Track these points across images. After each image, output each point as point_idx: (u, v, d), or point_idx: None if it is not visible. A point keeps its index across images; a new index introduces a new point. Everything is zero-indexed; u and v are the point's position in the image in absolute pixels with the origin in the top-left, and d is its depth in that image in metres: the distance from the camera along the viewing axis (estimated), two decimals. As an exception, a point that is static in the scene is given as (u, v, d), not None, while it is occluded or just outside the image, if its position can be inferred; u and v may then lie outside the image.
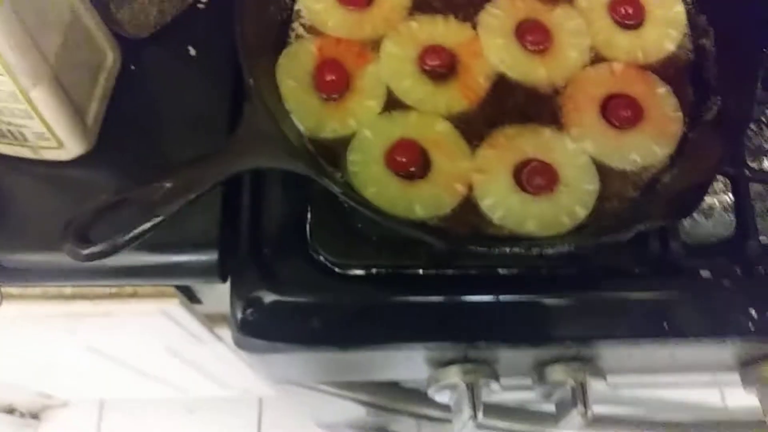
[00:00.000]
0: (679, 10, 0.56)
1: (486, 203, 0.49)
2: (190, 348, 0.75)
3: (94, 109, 0.51)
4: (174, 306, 0.59)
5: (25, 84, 0.43)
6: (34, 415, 1.31)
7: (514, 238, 0.48)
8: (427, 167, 0.50)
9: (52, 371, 0.98)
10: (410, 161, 0.49)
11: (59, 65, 0.46)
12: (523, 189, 0.49)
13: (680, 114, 0.52)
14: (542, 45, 0.54)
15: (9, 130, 0.48)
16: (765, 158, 0.58)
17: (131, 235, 0.42)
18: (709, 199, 0.56)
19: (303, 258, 0.52)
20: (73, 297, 0.57)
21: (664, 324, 0.52)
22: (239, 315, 0.51)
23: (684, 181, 0.49)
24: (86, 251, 0.42)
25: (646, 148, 0.51)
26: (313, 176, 0.44)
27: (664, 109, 0.52)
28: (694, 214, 0.56)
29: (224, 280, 0.52)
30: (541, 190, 0.49)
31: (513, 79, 0.53)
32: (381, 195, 0.48)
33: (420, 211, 0.48)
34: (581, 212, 0.49)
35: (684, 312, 0.52)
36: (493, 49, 0.54)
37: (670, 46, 0.55)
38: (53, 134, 0.48)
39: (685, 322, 0.52)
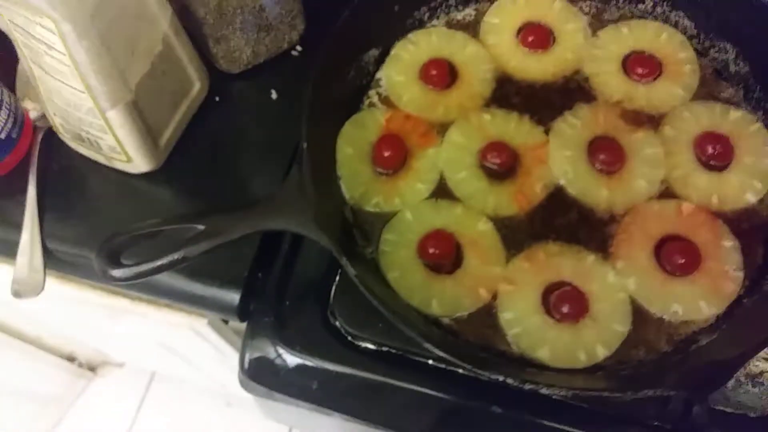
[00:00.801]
0: (772, 162, 0.52)
1: (505, 316, 0.48)
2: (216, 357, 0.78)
3: (170, 132, 0.55)
4: (202, 325, 0.62)
5: (103, 104, 0.47)
6: (92, 368, 1.40)
7: (522, 361, 0.46)
8: (457, 264, 0.49)
9: (109, 337, 1.04)
10: (442, 254, 0.49)
11: (141, 91, 0.49)
12: (548, 312, 0.47)
13: (741, 274, 0.48)
14: (612, 167, 0.52)
15: (88, 138, 0.52)
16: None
17: (153, 266, 0.45)
18: (762, 365, 0.52)
19: (320, 319, 0.53)
20: (115, 293, 0.61)
21: (671, 488, 0.48)
22: (247, 358, 0.53)
23: (722, 349, 0.45)
24: (113, 273, 0.45)
25: (692, 302, 0.47)
26: (333, 252, 0.45)
27: (726, 264, 0.48)
28: (741, 377, 0.51)
29: (243, 321, 0.54)
30: (566, 318, 0.47)
31: (571, 195, 0.51)
32: (403, 281, 0.48)
33: (436, 307, 0.48)
34: (601, 352, 0.46)
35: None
36: (558, 159, 0.52)
37: (751, 198, 0.51)
38: (124, 150, 0.52)
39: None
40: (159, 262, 0.45)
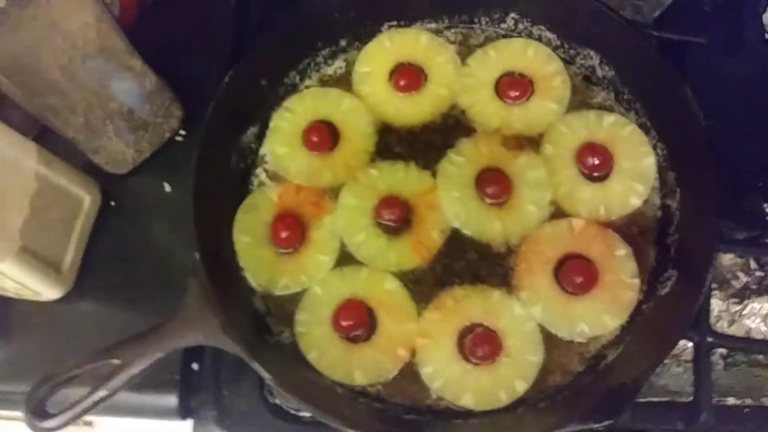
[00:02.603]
0: (650, 162, 0.53)
1: (426, 371, 0.50)
2: None
3: (70, 256, 0.55)
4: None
5: (-10, 261, 0.47)
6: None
7: (449, 412, 0.49)
8: (372, 329, 0.51)
9: None
10: (355, 324, 0.50)
11: (27, 235, 0.49)
12: (465, 358, 0.50)
13: (637, 281, 0.50)
14: (501, 198, 0.53)
15: (-12, 283, 0.52)
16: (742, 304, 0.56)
17: (80, 410, 0.46)
18: (681, 343, 0.55)
19: (259, 400, 0.55)
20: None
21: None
22: (198, 454, 0.55)
23: (628, 361, 0.48)
24: (43, 425, 0.46)
25: (596, 318, 0.50)
26: (246, 360, 0.46)
27: (621, 274, 0.51)
28: (667, 360, 0.55)
29: (184, 419, 0.55)
30: (483, 360, 0.49)
31: (467, 235, 0.53)
32: (322, 359, 0.50)
33: (360, 378, 0.50)
34: (521, 386, 0.49)
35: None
36: (448, 202, 0.53)
37: (636, 202, 0.53)
38: (28, 289, 0.52)
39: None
40: (84, 405, 0.46)
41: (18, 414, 0.62)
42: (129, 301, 0.57)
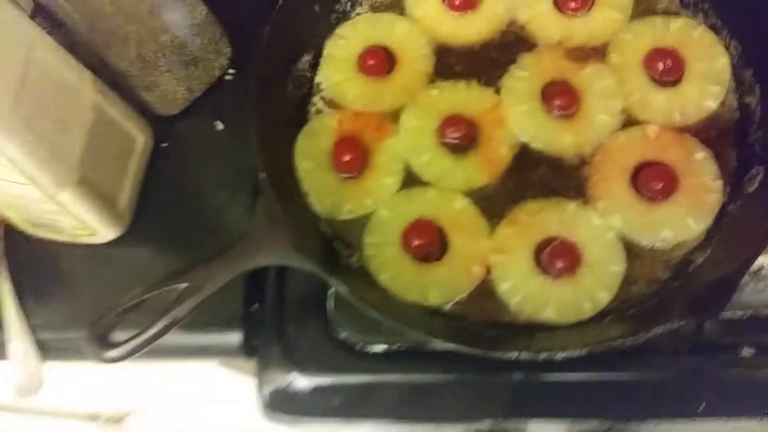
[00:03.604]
0: (724, 62, 0.51)
1: (504, 287, 0.47)
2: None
3: (126, 194, 0.54)
4: (214, 365, 0.62)
5: (52, 191, 0.46)
6: (118, 420, 1.39)
7: (531, 327, 0.46)
8: (444, 248, 0.49)
9: (126, 392, 1.05)
10: (426, 243, 0.48)
11: (85, 165, 0.48)
12: (544, 271, 0.47)
13: (720, 183, 0.48)
14: (569, 110, 0.51)
15: (45, 223, 0.51)
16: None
17: (146, 338, 0.44)
18: (761, 260, 0.52)
19: (326, 335, 0.53)
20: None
21: (702, 404, 0.49)
22: (264, 391, 0.52)
23: (719, 264, 0.45)
24: (107, 355, 0.44)
25: (679, 223, 0.47)
26: (320, 275, 0.44)
27: (702, 177, 0.48)
28: (747, 276, 0.52)
29: (250, 357, 0.54)
30: (562, 273, 0.47)
31: (537, 149, 0.51)
32: (395, 280, 0.48)
33: (435, 297, 0.48)
34: (604, 297, 0.46)
35: (723, 392, 0.49)
36: (515, 117, 0.51)
37: (711, 104, 0.50)
38: (86, 226, 0.51)
39: (725, 403, 0.49)
40: (151, 332, 0.44)
41: (77, 362, 0.61)
42: (184, 243, 0.55)
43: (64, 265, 0.56)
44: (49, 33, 0.47)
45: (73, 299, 0.55)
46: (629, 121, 0.51)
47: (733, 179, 0.48)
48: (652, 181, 0.48)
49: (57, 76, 0.45)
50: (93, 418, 1.33)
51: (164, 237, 0.56)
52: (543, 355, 0.41)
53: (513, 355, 0.41)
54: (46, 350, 0.54)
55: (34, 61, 0.42)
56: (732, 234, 0.46)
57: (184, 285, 0.45)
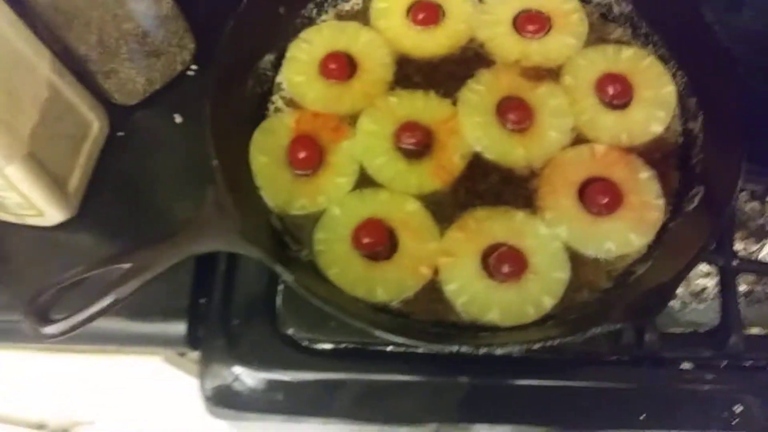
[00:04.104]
0: (670, 91, 0.53)
1: (450, 288, 0.48)
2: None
3: (77, 178, 0.53)
4: (158, 363, 0.60)
5: (-2, 162, 0.45)
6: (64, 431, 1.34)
7: (475, 327, 0.47)
8: (393, 248, 0.49)
9: (72, 397, 1.01)
10: (376, 241, 0.49)
11: (36, 142, 0.47)
12: (490, 275, 0.48)
13: (662, 201, 0.50)
14: (523, 124, 0.53)
15: (-9, 200, 0.50)
16: (759, 243, 0.55)
17: (87, 315, 0.43)
18: (702, 282, 0.54)
19: (272, 331, 0.52)
20: (59, 350, 0.59)
21: (642, 416, 0.50)
22: (207, 385, 0.51)
23: (659, 274, 0.46)
24: (45, 330, 0.43)
25: (622, 237, 0.49)
26: (267, 263, 0.44)
27: (646, 195, 0.50)
28: (686, 298, 0.54)
29: (195, 349, 0.52)
30: (508, 278, 0.48)
31: (489, 159, 0.52)
32: (343, 276, 0.48)
33: (382, 294, 0.48)
34: (548, 302, 0.47)
35: (663, 404, 0.50)
36: (470, 127, 0.53)
37: (657, 128, 0.53)
38: (32, 204, 0.50)
39: (665, 415, 0.50)
40: (91, 310, 0.43)
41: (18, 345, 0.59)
42: (133, 232, 0.55)
43: (7, 246, 0.54)
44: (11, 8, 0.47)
45: (14, 282, 0.53)
46: (579, 139, 0.53)
47: (675, 198, 0.50)
48: (598, 195, 0.50)
49: (13, 48, 0.45)
50: (40, 426, 1.27)
51: (113, 224, 0.55)
52: (482, 350, 0.41)
53: (453, 348, 0.41)
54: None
55: (-8, 29, 0.42)
56: (672, 248, 0.48)
57: (128, 265, 0.44)
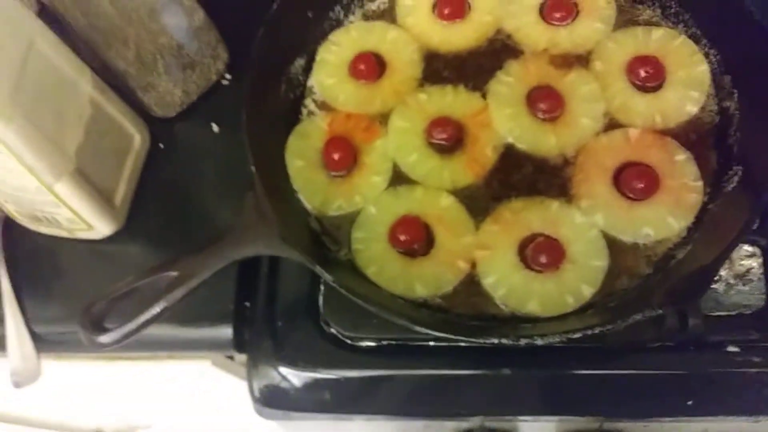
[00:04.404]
0: (703, 70, 0.53)
1: (488, 281, 0.48)
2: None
3: (122, 191, 0.55)
4: (207, 367, 0.62)
5: (48, 180, 0.47)
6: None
7: (515, 319, 0.47)
8: (430, 244, 0.50)
9: (127, 403, 1.04)
10: (413, 238, 0.50)
11: (82, 158, 0.49)
12: (528, 266, 0.48)
13: (700, 183, 0.49)
14: (554, 113, 0.53)
15: (44, 216, 0.52)
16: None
17: (138, 323, 0.45)
18: (747, 262, 0.53)
19: (315, 331, 0.53)
20: (113, 358, 0.61)
21: (689, 402, 0.49)
22: (255, 386, 0.53)
23: (699, 257, 0.46)
24: (100, 339, 0.45)
25: (661, 221, 0.49)
26: (307, 264, 0.45)
27: (683, 178, 0.50)
28: (730, 279, 0.53)
29: (241, 352, 0.54)
30: (546, 268, 0.48)
31: (521, 150, 0.52)
32: (382, 273, 0.49)
33: (420, 290, 0.48)
34: (587, 291, 0.47)
35: (710, 389, 0.50)
36: (501, 119, 0.53)
37: (692, 109, 0.52)
38: (82, 219, 0.52)
39: (713, 400, 0.50)
40: (143, 318, 0.45)
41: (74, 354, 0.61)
42: (178, 241, 0.56)
43: (61, 260, 0.57)
44: (52, 30, 0.49)
45: (69, 294, 0.56)
46: (611, 124, 0.52)
47: (713, 179, 0.50)
48: (634, 180, 0.49)
49: (56, 68, 0.47)
50: None
51: (159, 234, 0.57)
52: (523, 341, 0.42)
53: (494, 340, 0.42)
54: (43, 343, 0.55)
55: (35, 52, 0.44)
56: (712, 230, 0.47)
57: (175, 273, 0.46)
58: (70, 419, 1.22)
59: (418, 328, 0.43)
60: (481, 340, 0.42)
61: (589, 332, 0.41)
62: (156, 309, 0.45)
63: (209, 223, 0.57)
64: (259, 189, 0.48)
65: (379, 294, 0.48)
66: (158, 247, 0.57)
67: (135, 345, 0.54)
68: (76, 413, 1.18)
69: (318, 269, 0.45)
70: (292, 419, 0.55)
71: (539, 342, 0.42)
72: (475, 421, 0.54)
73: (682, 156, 0.50)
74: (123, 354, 0.59)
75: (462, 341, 0.46)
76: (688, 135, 0.51)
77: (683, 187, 0.49)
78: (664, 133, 0.51)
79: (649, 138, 0.51)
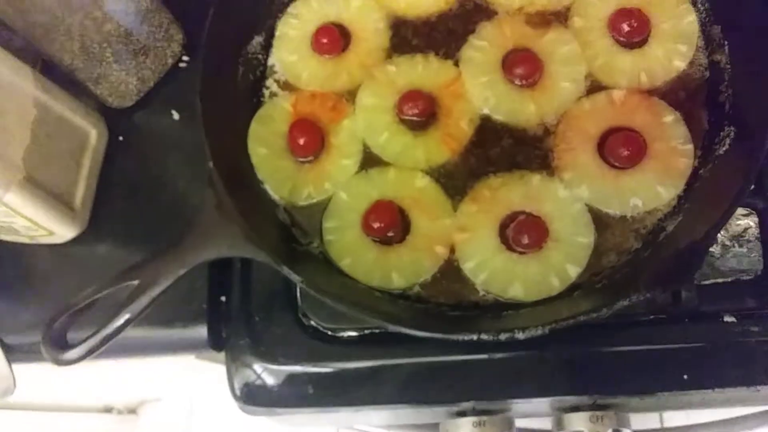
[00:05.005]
0: (691, 20, 0.49)
1: (468, 266, 0.46)
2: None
3: (81, 191, 0.52)
4: (191, 360, 0.61)
5: (-5, 192, 0.45)
6: (132, 410, 1.40)
7: (498, 306, 0.45)
8: (406, 230, 0.47)
9: (129, 383, 1.04)
10: (387, 224, 0.47)
11: (31, 164, 0.47)
12: (509, 248, 0.46)
13: (690, 146, 0.46)
14: (531, 78, 0.49)
15: (1, 226, 0.50)
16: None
17: (101, 338, 0.43)
18: (743, 222, 0.51)
19: (294, 324, 0.51)
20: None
21: (685, 376, 0.47)
22: (236, 385, 0.51)
23: (691, 229, 0.43)
24: (64, 357, 0.43)
25: (649, 191, 0.46)
26: (274, 266, 0.43)
27: (672, 141, 0.46)
28: (726, 240, 0.50)
29: (219, 350, 0.52)
30: (528, 249, 0.45)
31: (499, 121, 0.49)
32: (357, 265, 0.47)
33: (398, 280, 0.46)
34: (573, 271, 0.45)
35: (707, 362, 0.47)
36: (476, 89, 0.49)
37: (680, 64, 0.48)
38: (40, 226, 0.49)
39: (709, 373, 0.47)
40: (106, 332, 0.43)
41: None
42: (147, 236, 0.54)
43: (27, 268, 0.55)
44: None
45: (39, 301, 0.54)
46: (594, 87, 0.49)
47: (704, 141, 0.46)
48: (619, 147, 0.46)
49: (-11, 72, 0.44)
50: (107, 409, 1.33)
51: (127, 231, 0.55)
52: (504, 336, 0.39)
53: (473, 337, 0.39)
54: (13, 353, 0.53)
55: (-38, 59, 0.41)
56: (704, 198, 0.44)
57: (135, 282, 0.44)
58: (79, 398, 1.23)
59: (391, 327, 0.41)
60: (459, 337, 0.40)
61: (573, 322, 0.39)
62: (119, 321, 0.43)
63: (179, 216, 0.54)
64: (218, 186, 0.45)
65: (354, 288, 0.46)
66: (126, 246, 0.54)
67: (108, 352, 0.52)
68: (85, 392, 1.19)
69: (285, 270, 0.42)
70: (276, 415, 0.53)
71: (520, 336, 0.39)
72: (466, 407, 0.52)
73: (670, 117, 0.47)
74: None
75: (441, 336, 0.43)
76: (677, 93, 0.48)
77: (672, 152, 0.46)
78: (651, 92, 0.48)
79: (634, 99, 0.48)
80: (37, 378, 0.59)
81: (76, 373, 0.80)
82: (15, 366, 0.55)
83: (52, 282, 0.54)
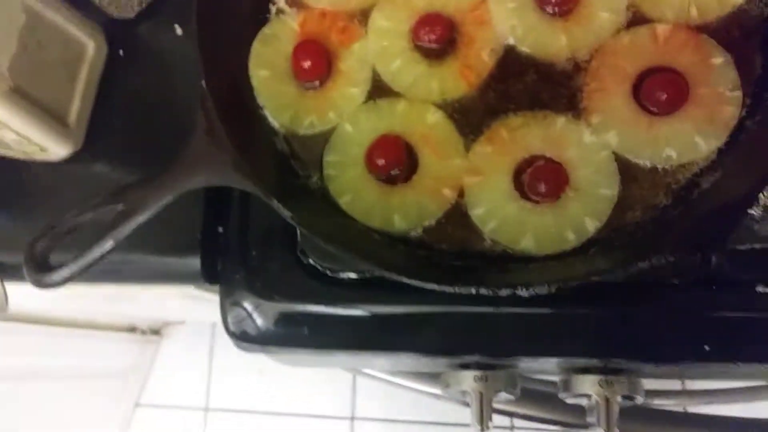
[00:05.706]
0: (756, -55, 0.42)
1: (477, 212, 0.42)
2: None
3: (77, 107, 0.50)
4: (191, 290, 0.59)
5: (-22, 102, 0.42)
6: (156, 332, 1.42)
7: (505, 258, 0.41)
8: (412, 169, 0.43)
9: (149, 307, 1.05)
10: (392, 162, 0.43)
11: (19, 74, 0.44)
12: (524, 195, 0.42)
13: (739, 94, 0.40)
14: (567, 5, 0.43)
15: (-9, 139, 0.47)
16: None
17: (84, 262, 0.41)
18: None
19: (292, 261, 0.48)
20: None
21: (705, 346, 0.43)
22: (230, 320, 0.49)
23: (728, 188, 0.38)
24: (46, 279, 0.41)
25: (687, 140, 0.41)
26: (263, 198, 0.40)
27: (719, 86, 0.41)
28: (766, 199, 0.45)
29: (212, 283, 0.50)
30: (544, 198, 0.41)
31: (524, 53, 0.44)
32: (356, 203, 0.43)
33: (400, 223, 0.43)
34: (592, 225, 0.40)
35: (732, 334, 0.43)
36: (502, 15, 0.44)
37: (737, -1, 0.42)
38: (31, 141, 0.47)
39: (734, 346, 0.43)
40: (90, 257, 0.41)
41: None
42: (145, 158, 0.51)
43: (25, 184, 0.53)
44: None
45: (35, 218, 0.52)
46: (636, 19, 0.43)
47: (755, 89, 0.41)
48: (658, 90, 0.41)
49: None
50: (131, 329, 1.36)
51: (126, 151, 0.52)
52: (505, 292, 0.36)
53: (471, 290, 0.36)
54: (7, 272, 0.52)
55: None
56: (747, 154, 0.39)
57: (119, 207, 0.41)
58: (102, 318, 1.25)
59: (386, 274, 0.38)
60: (453, 290, 0.37)
61: (582, 282, 0.35)
62: (102, 246, 0.41)
63: (180, 138, 0.51)
64: (210, 109, 0.41)
65: (352, 229, 0.42)
66: (124, 166, 0.52)
67: (103, 275, 0.50)
68: (109, 312, 1.20)
69: (275, 204, 0.39)
70: (271, 354, 0.51)
71: (523, 293, 0.36)
72: (469, 360, 0.50)
73: (719, 59, 0.41)
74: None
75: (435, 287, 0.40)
76: (730, 32, 0.42)
77: (718, 98, 0.41)
78: (700, 29, 0.42)
79: (681, 36, 0.42)
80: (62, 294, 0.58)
81: (102, 291, 0.80)
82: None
83: (47, 200, 0.52)
